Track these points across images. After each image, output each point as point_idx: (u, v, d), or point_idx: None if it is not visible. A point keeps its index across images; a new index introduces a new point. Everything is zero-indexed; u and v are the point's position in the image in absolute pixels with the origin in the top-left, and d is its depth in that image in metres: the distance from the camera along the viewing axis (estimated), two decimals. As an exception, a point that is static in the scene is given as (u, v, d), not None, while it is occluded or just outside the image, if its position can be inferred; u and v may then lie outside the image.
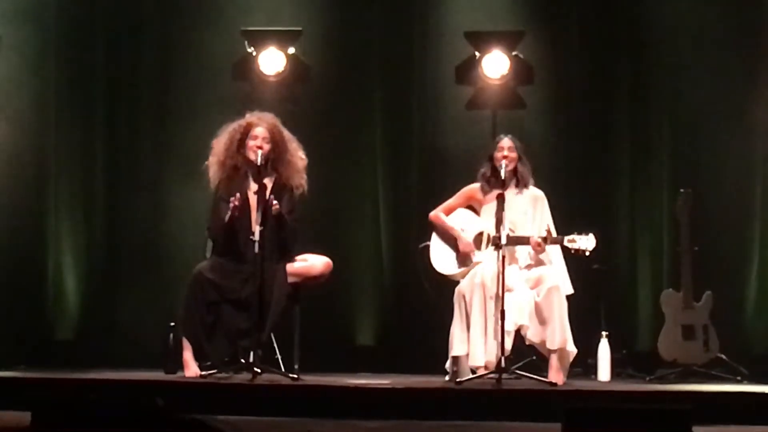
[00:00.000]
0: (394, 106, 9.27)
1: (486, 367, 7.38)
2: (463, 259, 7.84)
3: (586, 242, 7.55)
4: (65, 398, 5.38)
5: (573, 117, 9.14)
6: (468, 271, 7.70)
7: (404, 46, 9.30)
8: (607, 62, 9.16)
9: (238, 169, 7.73)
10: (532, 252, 7.71)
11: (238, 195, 7.58)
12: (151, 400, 5.27)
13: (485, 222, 7.81)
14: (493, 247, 7.56)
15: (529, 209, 7.85)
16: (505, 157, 7.80)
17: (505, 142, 7.89)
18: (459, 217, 7.97)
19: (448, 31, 9.25)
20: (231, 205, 7.54)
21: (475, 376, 7.35)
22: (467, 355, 7.49)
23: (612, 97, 9.16)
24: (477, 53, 9.13)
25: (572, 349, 7.53)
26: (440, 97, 9.27)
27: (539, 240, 7.60)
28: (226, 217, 7.60)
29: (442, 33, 9.27)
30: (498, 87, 9.16)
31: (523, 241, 7.64)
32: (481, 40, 9.12)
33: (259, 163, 7.60)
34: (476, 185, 7.97)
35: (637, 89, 9.12)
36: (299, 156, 7.82)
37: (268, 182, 7.68)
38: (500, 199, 7.51)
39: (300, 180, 7.78)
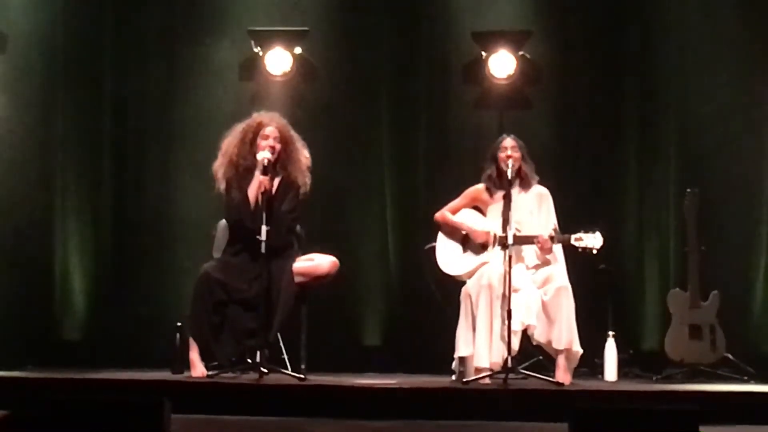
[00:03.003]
0: (400, 105, 9.27)
1: (491, 369, 7.37)
2: (482, 249, 7.81)
3: (593, 240, 7.54)
4: (72, 398, 5.39)
5: (580, 117, 9.13)
6: (475, 271, 7.69)
7: (411, 46, 9.30)
8: (614, 62, 9.16)
9: (250, 169, 7.70)
10: (539, 252, 7.70)
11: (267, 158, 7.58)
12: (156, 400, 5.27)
13: (491, 222, 7.80)
14: (499, 247, 7.55)
15: (534, 208, 7.84)
16: (509, 156, 7.79)
17: (508, 141, 7.88)
18: (465, 217, 7.97)
19: (455, 31, 9.25)
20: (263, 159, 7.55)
21: (481, 375, 7.34)
22: (473, 355, 7.47)
23: (619, 96, 9.15)
24: (484, 53, 9.13)
25: (578, 350, 7.53)
26: (447, 97, 9.28)
27: (546, 239, 7.58)
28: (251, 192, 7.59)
29: (449, 33, 9.27)
30: (505, 87, 9.16)
31: (530, 240, 7.63)
32: (487, 40, 9.12)
33: (265, 164, 7.58)
34: (481, 186, 7.96)
35: (644, 89, 9.11)
36: (304, 155, 7.83)
37: (276, 181, 7.68)
38: (506, 198, 7.50)
39: (304, 179, 7.79)
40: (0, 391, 6.86)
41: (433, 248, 7.99)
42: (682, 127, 9.03)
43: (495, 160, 7.86)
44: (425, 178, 9.19)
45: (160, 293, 8.98)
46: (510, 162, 7.74)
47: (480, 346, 7.44)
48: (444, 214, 8.00)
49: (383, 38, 9.30)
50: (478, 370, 7.40)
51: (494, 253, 7.72)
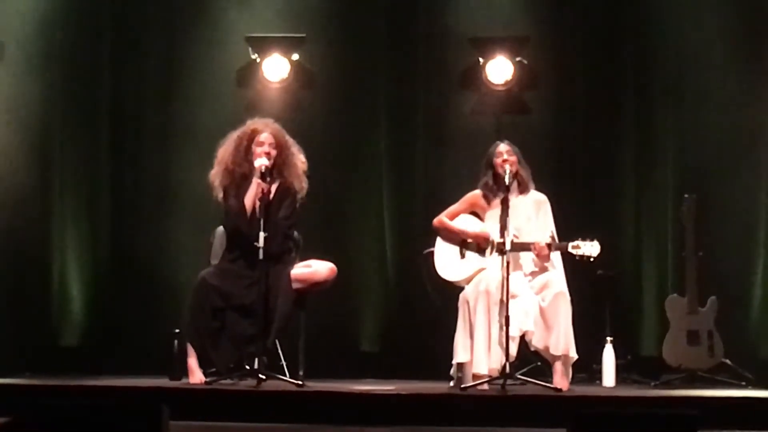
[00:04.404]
0: (397, 111, 9.28)
1: (489, 375, 7.36)
2: (481, 253, 7.80)
3: (590, 249, 7.54)
4: (70, 404, 5.39)
5: (577, 122, 9.15)
6: (473, 277, 7.68)
7: (408, 52, 9.31)
8: (612, 67, 9.17)
9: (246, 176, 7.70)
10: (536, 259, 7.69)
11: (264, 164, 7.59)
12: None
13: (489, 228, 7.79)
14: (497, 253, 7.55)
15: (532, 214, 7.83)
16: (505, 161, 7.78)
17: (503, 147, 7.87)
18: (463, 223, 7.96)
19: (452, 37, 9.25)
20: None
21: (479, 381, 7.34)
22: (471, 361, 7.47)
23: (616, 102, 9.15)
24: (481, 59, 9.14)
25: (574, 356, 7.53)
26: (444, 103, 9.28)
27: (544, 246, 7.58)
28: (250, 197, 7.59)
29: (446, 39, 9.27)
30: (502, 93, 9.17)
31: (527, 247, 7.63)
32: (485, 45, 9.13)
33: (263, 170, 7.58)
34: (478, 192, 7.95)
35: (641, 95, 9.12)
36: (301, 160, 7.82)
37: (273, 187, 7.68)
38: (504, 204, 7.50)
39: (301, 184, 7.78)
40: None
41: (432, 253, 7.98)
42: (679, 132, 9.03)
43: (491, 166, 7.85)
44: (423, 184, 9.19)
45: (158, 300, 8.97)
46: (507, 167, 7.74)
47: (478, 353, 7.42)
48: (442, 219, 8.00)
49: (380, 45, 9.31)
50: (476, 377, 7.39)
51: (492, 259, 7.71)
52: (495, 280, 7.44)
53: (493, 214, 7.73)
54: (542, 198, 7.91)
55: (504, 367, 7.22)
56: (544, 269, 7.70)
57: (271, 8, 9.32)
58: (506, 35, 9.16)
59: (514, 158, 7.82)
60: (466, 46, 9.18)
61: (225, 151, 7.77)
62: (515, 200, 7.77)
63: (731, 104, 8.94)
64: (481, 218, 7.95)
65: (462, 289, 7.70)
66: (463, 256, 7.89)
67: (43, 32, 9.13)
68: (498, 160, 7.82)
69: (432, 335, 8.43)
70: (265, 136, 7.70)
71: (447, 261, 7.91)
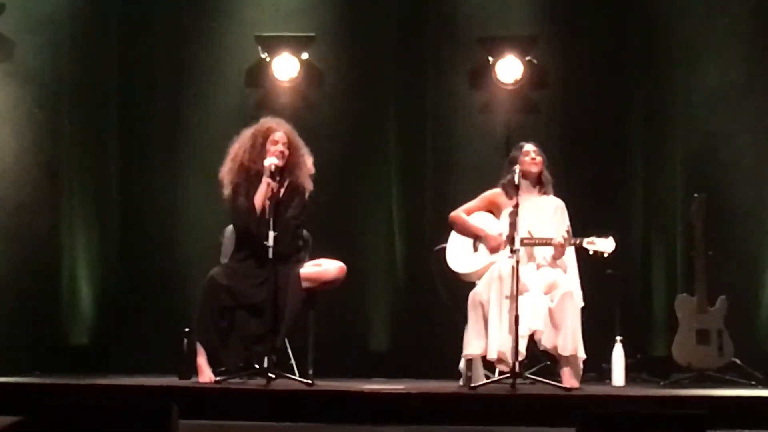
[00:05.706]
0: (407, 111, 9.28)
1: (499, 358, 7.35)
2: (495, 250, 7.79)
3: (605, 244, 7.53)
4: (79, 403, 5.40)
5: (586, 122, 9.13)
6: (484, 271, 7.67)
7: (418, 52, 9.31)
8: (621, 67, 9.16)
9: (259, 174, 7.69)
10: (549, 257, 7.69)
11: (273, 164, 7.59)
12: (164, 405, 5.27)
13: (505, 226, 7.77)
14: (509, 249, 7.52)
15: (549, 215, 7.82)
16: (533, 159, 7.81)
17: (530, 146, 7.88)
18: (478, 220, 7.96)
19: (461, 36, 9.26)
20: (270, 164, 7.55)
21: (489, 381, 7.35)
22: (480, 356, 7.47)
23: (626, 101, 9.15)
24: (491, 58, 9.14)
25: (582, 356, 7.52)
26: (454, 103, 9.28)
27: (559, 242, 7.58)
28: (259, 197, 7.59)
29: (455, 38, 9.28)
30: (511, 92, 9.17)
31: (542, 242, 7.63)
32: (494, 45, 9.13)
33: (272, 170, 7.58)
34: (498, 190, 7.94)
35: (651, 94, 9.11)
36: (309, 162, 7.82)
37: (282, 187, 7.68)
38: (515, 205, 7.48)
39: (309, 184, 7.78)
40: (7, 397, 6.87)
41: (443, 250, 7.97)
42: (689, 131, 9.02)
43: (516, 164, 7.82)
44: (432, 183, 9.20)
45: (168, 299, 8.99)
46: (532, 167, 7.76)
47: (491, 335, 7.39)
48: (459, 213, 7.98)
49: (389, 44, 9.31)
50: (487, 362, 7.42)
51: (504, 254, 7.69)
52: (507, 268, 7.41)
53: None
54: (561, 204, 7.90)
55: (514, 365, 7.21)
56: (555, 267, 7.70)
57: (280, 7, 9.33)
58: (516, 35, 9.17)
59: (540, 158, 7.85)
60: (475, 45, 9.18)
61: (239, 148, 7.76)
62: (537, 199, 7.82)
63: (741, 103, 8.93)
64: (496, 217, 7.95)
65: (472, 285, 7.70)
66: (476, 249, 7.88)
67: (51, 32, 9.14)
68: (526, 159, 7.82)
69: (441, 334, 8.42)
70: (279, 135, 7.70)
71: (459, 254, 7.90)
